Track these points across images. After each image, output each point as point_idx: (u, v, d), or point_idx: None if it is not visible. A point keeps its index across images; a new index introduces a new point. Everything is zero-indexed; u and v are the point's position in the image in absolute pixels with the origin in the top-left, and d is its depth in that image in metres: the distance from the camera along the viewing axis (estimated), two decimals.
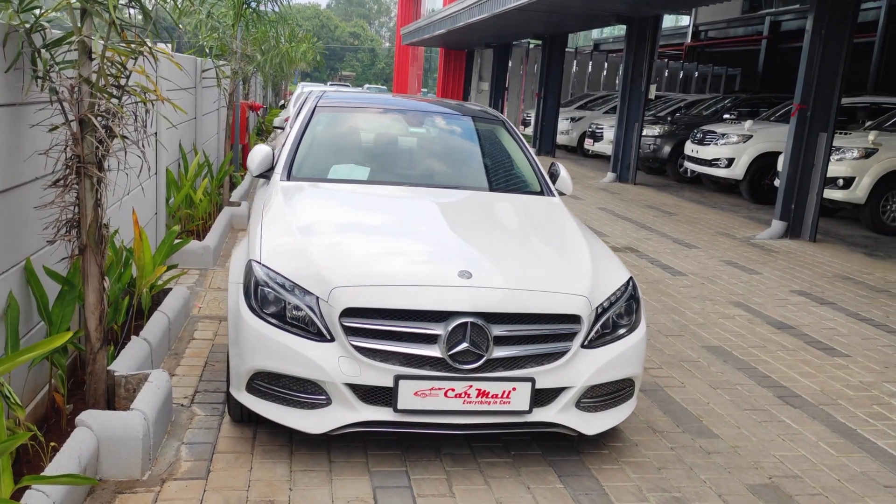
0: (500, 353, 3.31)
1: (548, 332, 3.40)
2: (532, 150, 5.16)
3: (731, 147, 13.37)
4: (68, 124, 3.30)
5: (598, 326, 3.52)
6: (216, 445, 3.62)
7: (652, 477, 3.58)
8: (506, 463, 3.63)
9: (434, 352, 3.26)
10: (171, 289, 5.09)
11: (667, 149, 16.20)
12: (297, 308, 3.36)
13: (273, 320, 3.39)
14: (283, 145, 4.91)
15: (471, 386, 3.26)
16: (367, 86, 58.59)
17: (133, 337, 4.28)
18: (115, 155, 3.50)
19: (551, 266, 3.68)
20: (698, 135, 14.22)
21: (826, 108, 9.63)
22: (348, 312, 3.26)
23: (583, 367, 3.45)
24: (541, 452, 3.75)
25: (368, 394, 3.31)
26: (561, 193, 4.92)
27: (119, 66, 3.41)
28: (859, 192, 10.81)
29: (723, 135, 13.55)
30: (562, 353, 3.41)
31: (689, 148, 14.46)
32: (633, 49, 15.04)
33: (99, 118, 3.30)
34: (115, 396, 3.73)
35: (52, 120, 3.42)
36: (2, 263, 3.21)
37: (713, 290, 7.25)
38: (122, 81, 3.46)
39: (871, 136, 10.80)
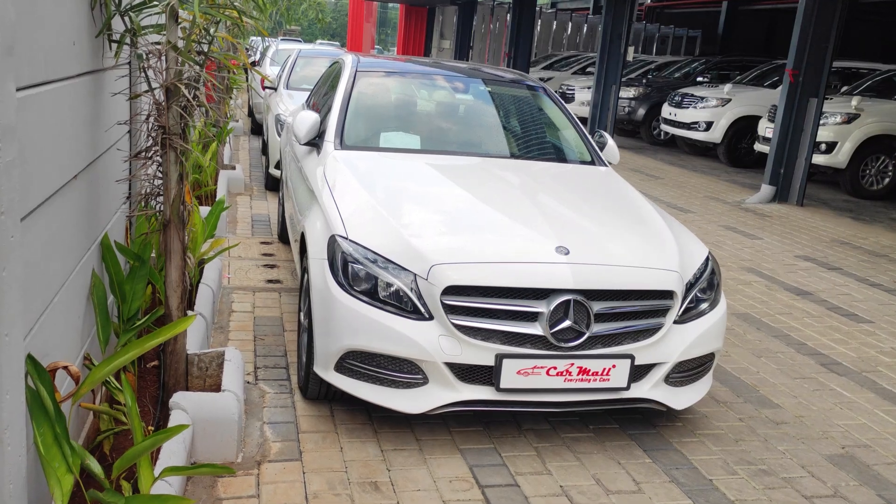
0: (599, 330, 3.30)
1: (644, 309, 3.39)
2: (582, 119, 5.10)
3: (709, 110, 13.50)
4: (152, 93, 3.13)
5: (686, 302, 3.53)
6: (298, 425, 3.55)
7: (733, 449, 3.64)
8: (589, 438, 3.64)
9: (535, 329, 3.23)
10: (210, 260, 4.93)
11: (641, 111, 16.29)
12: (390, 285, 3.28)
13: (365, 297, 3.31)
14: (329, 112, 4.75)
15: (572, 364, 3.24)
16: (319, 41, 57.31)
17: (189, 311, 4.14)
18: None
19: (640, 241, 3.67)
20: (676, 98, 14.31)
21: (817, 74, 9.77)
22: (450, 290, 3.20)
23: (675, 342, 3.46)
24: (618, 426, 3.77)
25: (467, 372, 3.27)
26: (608, 163, 4.90)
27: (203, 31, 3.23)
28: (841, 157, 11.04)
29: (702, 98, 13.67)
30: (656, 329, 3.41)
31: (667, 111, 14.56)
32: (612, 10, 14.97)
33: (185, 86, 3.13)
34: (188, 375, 3.61)
35: (134, 88, 3.24)
36: (85, 240, 3.05)
37: (722, 255, 7.35)
38: (205, 47, 3.29)
39: (855, 101, 11.01)
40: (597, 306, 3.28)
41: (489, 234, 3.48)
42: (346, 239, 3.43)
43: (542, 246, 3.38)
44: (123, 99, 3.26)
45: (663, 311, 3.44)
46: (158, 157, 3.23)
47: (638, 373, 3.40)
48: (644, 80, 17.15)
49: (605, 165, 4.82)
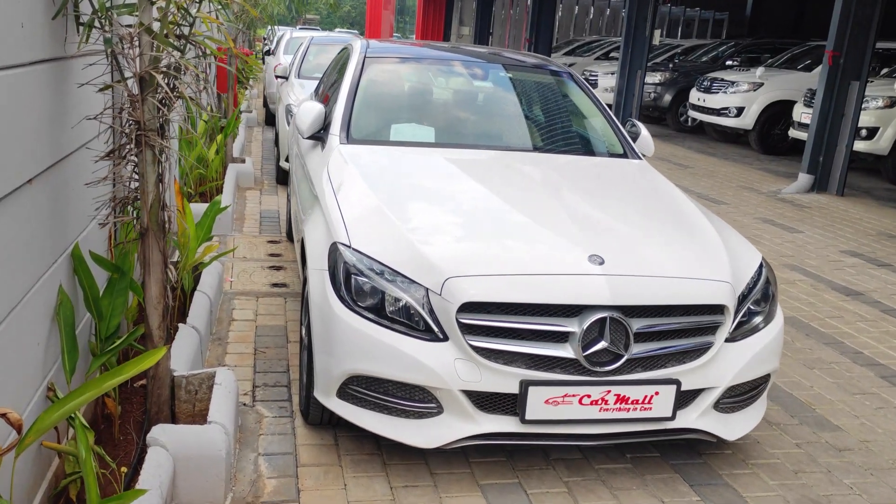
0: (639, 351, 2.86)
1: (690, 326, 2.95)
2: (607, 106, 4.64)
3: (740, 95, 12.93)
4: (124, 83, 2.72)
5: (738, 317, 3.08)
6: (298, 456, 3.15)
7: (793, 484, 3.19)
8: (626, 470, 3.21)
9: (566, 352, 2.80)
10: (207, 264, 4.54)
11: (668, 97, 15.72)
12: (399, 300, 2.87)
13: (369, 315, 2.89)
14: (335, 102, 4.33)
15: (609, 391, 2.81)
16: (337, 30, 56.88)
17: (180, 325, 3.75)
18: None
19: (685, 247, 3.21)
20: (705, 82, 13.74)
21: (859, 55, 9.20)
22: (466, 307, 2.77)
23: (727, 363, 3.01)
24: (659, 455, 3.34)
25: (487, 401, 2.85)
26: (642, 155, 4.44)
27: (183, 12, 2.81)
28: (883, 143, 10.45)
29: (732, 82, 13.10)
30: (705, 349, 2.97)
31: (695, 96, 13.99)
32: None
33: (162, 75, 2.72)
34: (175, 399, 3.22)
35: (103, 78, 2.84)
36: (50, 253, 2.65)
37: (761, 251, 6.84)
38: (185, 30, 2.87)
39: None
40: (637, 324, 2.84)
41: (512, 242, 3.04)
42: (349, 248, 3.01)
43: (573, 254, 2.94)
44: (94, 91, 2.86)
45: (713, 329, 2.99)
46: (133, 157, 2.83)
47: (684, 399, 2.96)
48: (670, 65, 16.56)
49: (639, 158, 4.36)
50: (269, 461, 3.10)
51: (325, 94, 5.50)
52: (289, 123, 7.86)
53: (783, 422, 3.72)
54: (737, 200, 9.04)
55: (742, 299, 3.10)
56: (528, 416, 2.79)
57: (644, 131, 4.55)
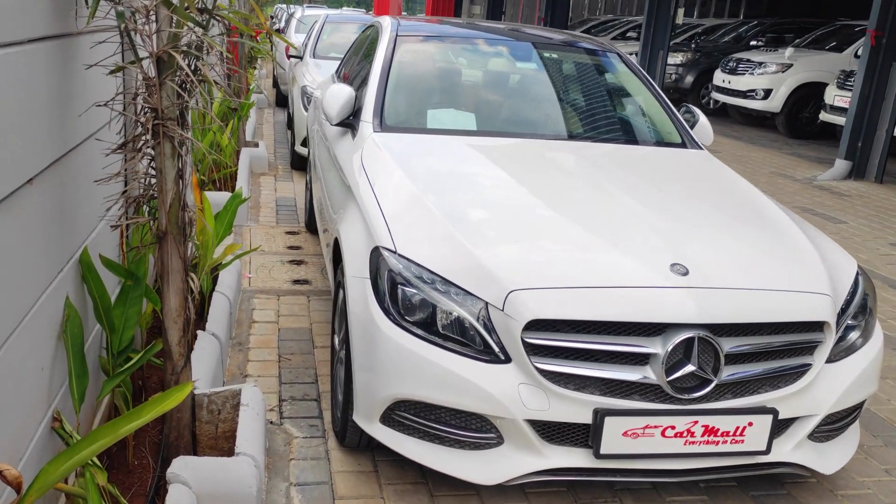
0: (730, 375, 2.50)
1: (787, 346, 2.57)
2: (660, 90, 4.25)
3: (768, 77, 12.47)
4: (139, 64, 2.34)
5: (838, 334, 2.71)
6: (334, 487, 2.80)
7: None
8: (701, 502, 2.86)
9: (647, 376, 2.43)
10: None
11: (689, 78, 15.25)
12: (453, 315, 2.50)
13: (419, 331, 2.53)
14: (366, 86, 3.94)
15: (696, 422, 2.44)
16: (344, 8, 56.10)
17: (199, 332, 3.40)
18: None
19: (775, 254, 2.82)
20: (730, 63, 13.28)
21: None
22: (533, 325, 2.41)
23: (826, 388, 2.65)
24: (737, 484, 2.98)
25: (555, 432, 2.49)
26: (702, 145, 4.04)
27: None
28: None
29: (759, 63, 12.64)
30: (802, 372, 2.60)
31: (720, 78, 13.53)
32: None
33: (182, 55, 2.35)
34: (195, 420, 2.87)
35: (114, 59, 2.46)
36: (56, 260, 2.29)
37: None
38: (208, 3, 2.49)
39: None
40: (728, 344, 2.48)
41: (582, 248, 2.65)
42: (395, 253, 2.64)
43: (654, 263, 2.57)
44: (104, 73, 2.48)
45: (811, 348, 2.62)
46: (150, 150, 2.45)
47: (777, 428, 2.59)
48: (692, 45, 16.06)
49: (700, 148, 3.97)
50: (303, 493, 2.75)
51: (346, 75, 5.12)
52: (305, 106, 7.47)
53: (866, 443, 3.36)
54: (772, 188, 8.63)
55: (840, 314, 2.72)
56: (603, 451, 2.42)
57: (702, 118, 4.16)
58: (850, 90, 10.62)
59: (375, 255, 2.71)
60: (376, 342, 2.58)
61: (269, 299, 4.50)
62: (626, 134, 3.98)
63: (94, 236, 2.71)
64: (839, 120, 10.88)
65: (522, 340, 2.40)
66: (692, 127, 4.12)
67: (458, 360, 2.47)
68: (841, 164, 9.24)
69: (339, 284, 3.13)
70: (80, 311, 2.60)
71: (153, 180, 2.49)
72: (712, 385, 2.45)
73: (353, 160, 3.43)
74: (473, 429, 2.51)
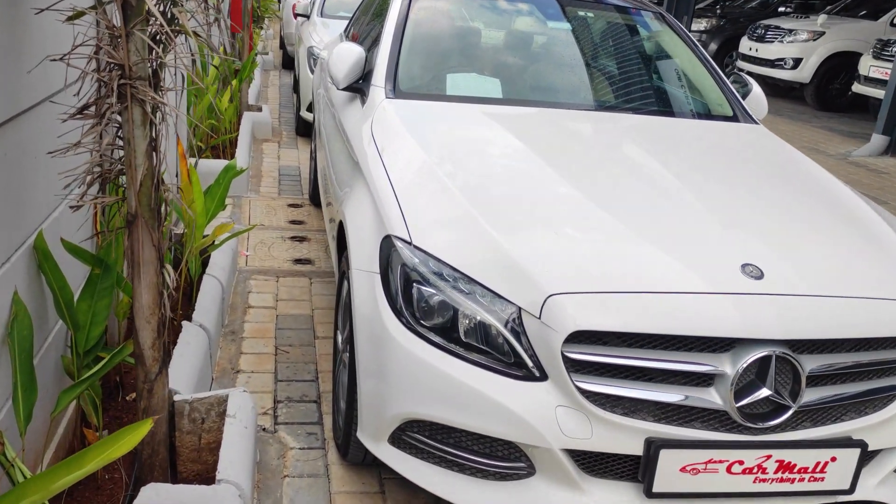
0: (811, 399, 2.08)
1: (877, 364, 2.15)
2: (708, 55, 3.78)
3: (798, 45, 11.89)
4: (102, 10, 1.91)
5: None
6: None
7: None
8: None
9: (711, 400, 2.02)
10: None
11: (713, 46, 14.63)
12: (478, 321, 2.09)
13: (437, 338, 2.12)
14: (378, 45, 3.48)
15: (769, 456, 2.03)
16: None
17: (185, 323, 3.00)
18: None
19: (860, 252, 2.38)
20: (758, 30, 12.68)
21: None
22: (577, 337, 1.99)
23: None
24: None
25: (597, 463, 2.09)
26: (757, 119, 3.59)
27: None
28: None
29: (790, 31, 12.05)
30: (893, 396, 2.18)
31: (746, 45, 12.93)
32: None
33: (155, 0, 1.91)
34: (175, 430, 2.49)
35: (72, 2, 2.03)
36: (0, 248, 1.88)
37: None
38: None
39: None
40: (810, 363, 2.06)
41: (634, 244, 2.21)
42: (410, 244, 2.22)
43: (720, 264, 2.14)
44: (59, 20, 2.05)
45: None
46: (117, 116, 2.03)
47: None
48: (717, 10, 15.42)
49: (755, 122, 3.52)
50: None
51: (355, 35, 4.66)
52: (311, 68, 7.01)
53: None
54: None
55: None
56: (656, 489, 2.02)
57: (755, 88, 3.70)
58: (888, 60, 10.09)
59: (387, 245, 2.29)
60: (386, 350, 2.17)
61: (268, 281, 4.09)
62: (672, 105, 3.51)
63: (56, 218, 2.30)
64: (874, 92, 10.35)
65: (562, 355, 1.99)
66: (744, 98, 3.66)
67: (484, 375, 2.06)
68: (878, 140, 8.73)
69: (344, 275, 2.72)
70: (37, 307, 2.20)
71: (121, 152, 2.07)
72: (790, 412, 2.04)
73: (363, 131, 2.99)
74: (499, 456, 2.11)
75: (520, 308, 2.05)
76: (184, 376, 2.66)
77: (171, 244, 3.39)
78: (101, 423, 2.48)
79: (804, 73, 11.84)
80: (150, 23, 1.94)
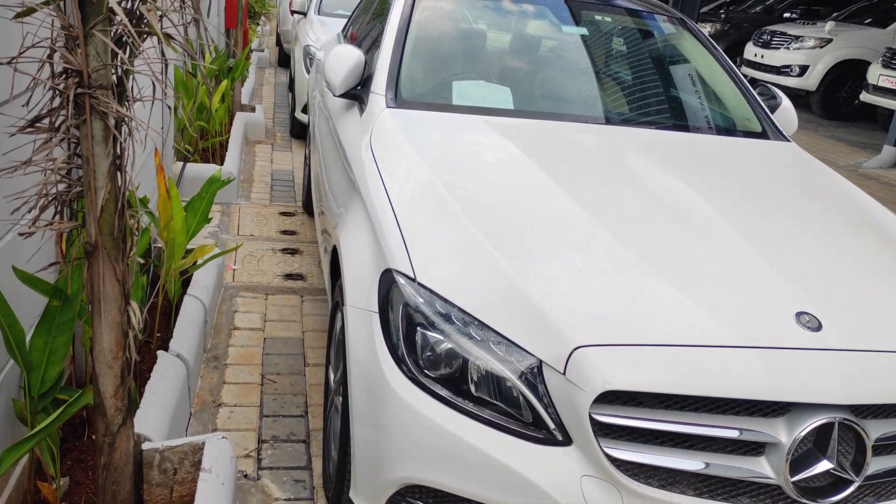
0: (877, 470, 1.80)
1: None
2: (734, 65, 3.50)
3: (805, 52, 11.65)
4: (56, 6, 1.63)
5: None
6: None
7: None
8: None
9: (760, 471, 1.74)
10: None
11: None
12: (492, 374, 1.81)
13: (444, 392, 1.84)
14: (378, 48, 3.20)
15: None
16: None
17: (161, 354, 2.71)
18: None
19: None
20: (764, 36, 12.43)
21: None
22: (608, 398, 1.71)
23: None
24: None
25: None
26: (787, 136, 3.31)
27: None
28: None
29: (797, 37, 11.80)
30: None
31: (752, 51, 12.69)
32: None
33: None
34: (142, 481, 2.20)
35: None
36: None
37: None
38: None
39: None
40: (877, 430, 1.78)
41: (671, 288, 1.91)
42: (414, 281, 1.94)
43: (770, 312, 1.86)
44: (6, 18, 1.76)
45: None
46: (74, 130, 1.74)
47: None
48: (722, 15, 15.18)
49: (786, 139, 3.24)
50: None
51: (354, 35, 4.37)
52: (307, 68, 6.72)
53: None
54: None
55: None
56: None
57: (785, 101, 3.43)
58: None
59: (387, 280, 2.01)
60: (384, 403, 1.89)
61: (256, 299, 3.80)
62: (699, 120, 3.23)
63: (8, 243, 2.01)
64: (883, 102, 10.11)
65: (591, 417, 1.71)
66: (772, 111, 3.39)
67: (497, 436, 1.78)
68: (889, 151, 8.48)
69: (338, 306, 2.43)
70: None
71: (79, 171, 1.78)
72: (853, 487, 1.76)
73: (361, 144, 2.70)
74: None
75: (541, 361, 1.77)
76: (156, 418, 2.37)
77: (146, 262, 3.10)
78: (59, 473, 2.19)
79: (811, 81, 11.60)
80: (114, 22, 1.66)
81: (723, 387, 1.71)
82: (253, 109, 7.26)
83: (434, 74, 3.15)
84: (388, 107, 2.86)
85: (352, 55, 3.05)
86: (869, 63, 10.87)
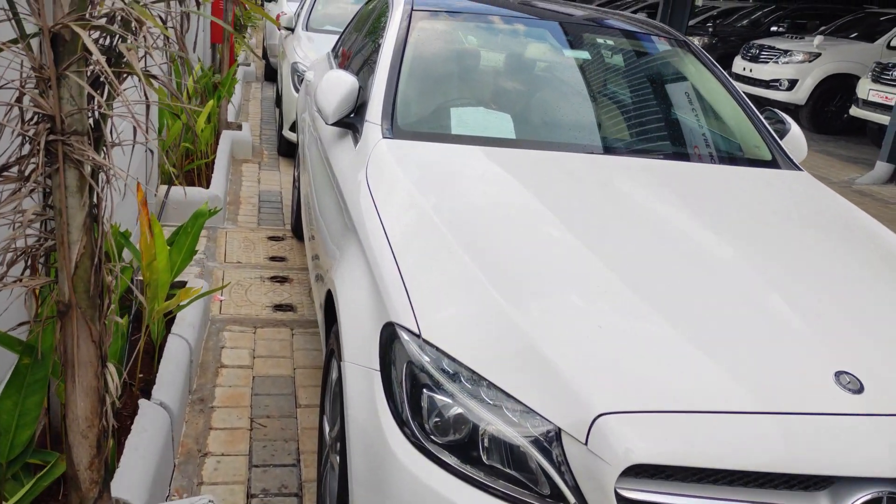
0: None
1: None
2: (740, 90, 3.37)
3: (794, 66, 11.61)
4: (26, 45, 1.47)
5: None
6: None
7: None
8: None
9: None
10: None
11: None
12: (505, 442, 1.65)
13: (452, 460, 1.68)
14: (373, 74, 3.05)
15: None
16: None
17: (142, 402, 2.53)
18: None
19: None
20: (752, 50, 12.40)
21: None
22: (635, 471, 1.56)
23: None
24: None
25: None
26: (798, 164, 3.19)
27: None
28: None
29: (785, 51, 11.77)
30: None
31: (740, 65, 12.65)
32: None
33: (96, 32, 1.48)
34: None
35: None
36: None
37: None
38: None
39: None
40: None
41: (697, 348, 1.76)
42: (418, 338, 1.79)
43: (808, 373, 1.71)
44: None
45: None
46: (46, 179, 1.58)
47: None
48: (710, 29, 15.16)
49: (797, 168, 3.12)
50: None
51: (346, 54, 4.22)
52: (295, 85, 6.57)
53: None
54: None
55: None
56: None
57: (794, 128, 3.31)
58: (887, 84, 9.81)
59: (388, 334, 1.85)
60: (386, 471, 1.73)
61: (244, 333, 3.63)
62: (708, 149, 3.09)
63: None
64: (873, 116, 10.08)
65: (616, 493, 1.55)
66: (781, 137, 3.27)
67: None
68: (882, 167, 8.42)
69: (332, 354, 2.27)
70: None
71: (51, 224, 1.62)
72: None
73: (357, 179, 2.55)
74: None
75: (559, 429, 1.62)
76: (136, 478, 2.20)
77: (130, 298, 2.93)
78: None
79: (800, 95, 11.56)
80: (90, 62, 1.50)
81: (759, 459, 1.56)
82: (240, 127, 7.09)
83: (431, 101, 3.01)
84: (384, 137, 2.71)
85: (345, 82, 2.90)
86: (858, 77, 10.85)
